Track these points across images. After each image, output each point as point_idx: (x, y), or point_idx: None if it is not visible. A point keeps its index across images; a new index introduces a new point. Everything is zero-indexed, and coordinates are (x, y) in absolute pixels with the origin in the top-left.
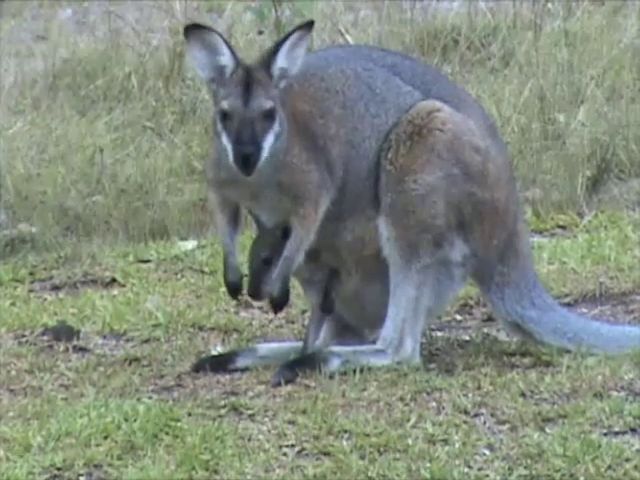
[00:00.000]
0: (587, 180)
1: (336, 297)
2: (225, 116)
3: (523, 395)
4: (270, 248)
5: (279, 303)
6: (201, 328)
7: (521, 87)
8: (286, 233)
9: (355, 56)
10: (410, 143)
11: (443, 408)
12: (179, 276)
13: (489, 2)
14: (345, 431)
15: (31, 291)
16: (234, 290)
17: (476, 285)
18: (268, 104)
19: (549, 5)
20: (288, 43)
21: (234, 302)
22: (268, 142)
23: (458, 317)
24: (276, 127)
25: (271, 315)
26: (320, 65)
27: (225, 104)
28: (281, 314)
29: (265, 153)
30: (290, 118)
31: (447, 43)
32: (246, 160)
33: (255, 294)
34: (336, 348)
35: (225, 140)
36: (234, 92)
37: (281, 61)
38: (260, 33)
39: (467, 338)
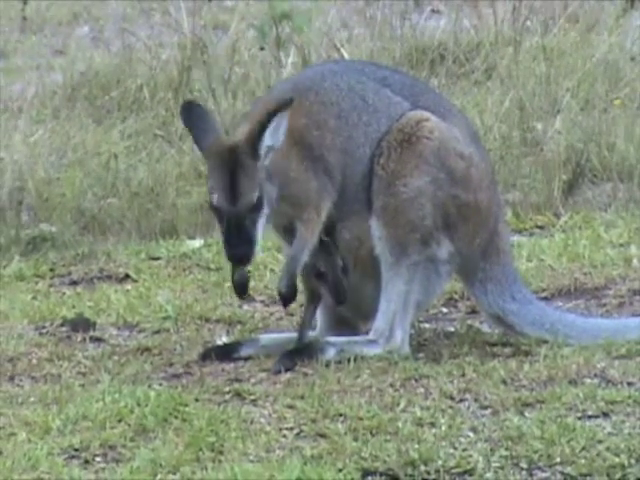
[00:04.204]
0: (563, 184)
1: (347, 286)
2: (215, 210)
3: (504, 382)
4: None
5: (286, 298)
6: (207, 320)
7: (502, 98)
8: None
9: (348, 70)
10: (400, 150)
11: (430, 394)
12: (187, 272)
13: (473, 20)
14: (340, 415)
15: (51, 286)
16: (242, 289)
17: (461, 280)
18: (254, 197)
19: (528, 23)
20: (273, 124)
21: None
22: (259, 232)
23: (444, 310)
24: (265, 210)
25: (272, 308)
26: (316, 79)
27: (214, 199)
28: (280, 307)
29: (257, 245)
30: (287, 133)
31: (434, 58)
32: (239, 260)
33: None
34: (332, 338)
35: (219, 228)
36: (221, 186)
37: (267, 140)
38: (262, 49)
39: (452, 329)
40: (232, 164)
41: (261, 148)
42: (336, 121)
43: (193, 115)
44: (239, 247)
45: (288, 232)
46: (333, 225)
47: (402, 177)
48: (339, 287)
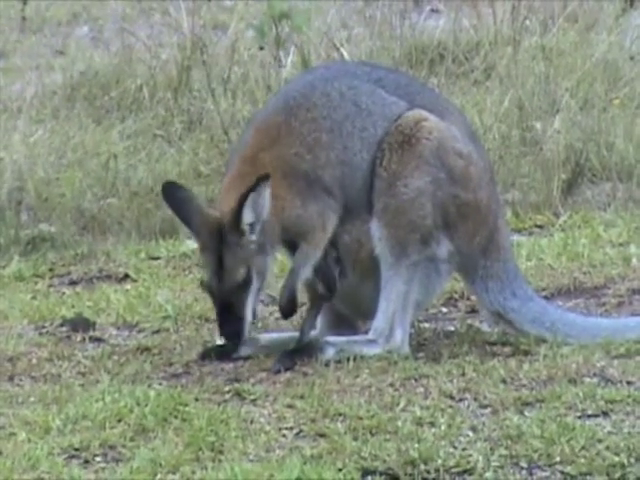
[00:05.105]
0: (562, 183)
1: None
2: (206, 288)
3: (504, 381)
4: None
5: (286, 313)
6: (207, 320)
7: (501, 98)
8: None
9: (340, 75)
10: (401, 151)
11: (430, 393)
12: (187, 272)
13: (472, 20)
14: (340, 414)
15: (51, 286)
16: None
17: (461, 278)
18: (241, 275)
19: (527, 22)
20: (249, 202)
21: None
22: (249, 308)
23: (444, 309)
24: (255, 284)
25: (272, 308)
26: (305, 93)
27: (204, 279)
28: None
29: (247, 321)
30: (277, 167)
31: (434, 57)
32: (231, 337)
33: (333, 289)
34: (331, 338)
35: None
36: (208, 266)
37: (248, 217)
38: (261, 49)
39: (452, 329)
40: (217, 243)
41: (243, 224)
42: (329, 135)
43: (176, 198)
44: (229, 325)
45: (292, 245)
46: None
47: (403, 178)
48: (331, 278)
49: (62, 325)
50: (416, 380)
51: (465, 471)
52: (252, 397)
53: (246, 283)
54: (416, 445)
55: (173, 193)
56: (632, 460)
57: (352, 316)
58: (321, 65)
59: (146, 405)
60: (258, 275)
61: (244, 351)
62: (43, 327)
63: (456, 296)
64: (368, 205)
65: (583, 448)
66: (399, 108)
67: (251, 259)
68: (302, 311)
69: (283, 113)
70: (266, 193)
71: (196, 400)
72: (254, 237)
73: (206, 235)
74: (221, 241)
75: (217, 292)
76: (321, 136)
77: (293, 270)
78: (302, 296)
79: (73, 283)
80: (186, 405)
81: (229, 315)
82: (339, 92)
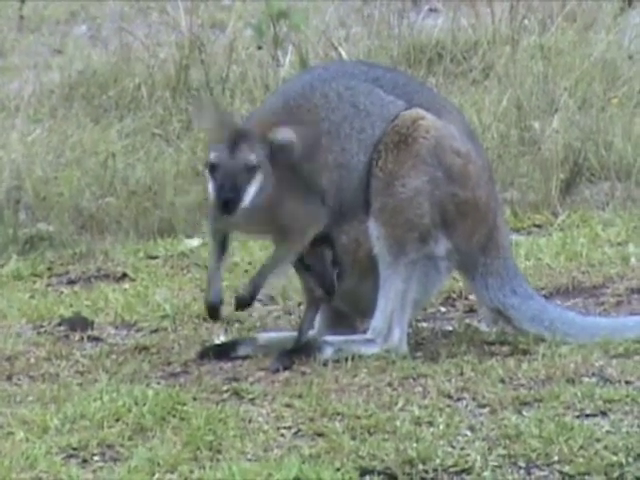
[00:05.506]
0: (561, 182)
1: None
2: (212, 167)
3: (502, 381)
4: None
5: (241, 304)
6: (205, 319)
7: (500, 97)
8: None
9: (338, 75)
10: (397, 151)
11: (428, 393)
12: (185, 271)
13: (470, 19)
14: (338, 414)
15: (49, 285)
16: (213, 311)
17: (461, 275)
18: (252, 158)
19: (525, 21)
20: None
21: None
22: (249, 191)
23: (442, 309)
24: (259, 180)
25: (270, 307)
26: (305, 93)
27: (212, 156)
28: (279, 306)
29: (245, 200)
30: (277, 166)
31: (432, 57)
32: (226, 205)
33: (331, 292)
34: (329, 337)
35: (210, 187)
36: (222, 146)
37: (280, 133)
38: (259, 48)
39: (450, 328)
40: (234, 132)
41: (271, 136)
42: (327, 138)
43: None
44: (229, 194)
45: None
46: (327, 232)
47: (400, 177)
48: (327, 278)
49: (60, 324)
50: (414, 379)
51: (463, 470)
52: (250, 396)
53: (253, 170)
54: (414, 444)
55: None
56: (630, 459)
57: (351, 316)
58: (319, 65)
59: (144, 404)
60: (266, 179)
61: (242, 350)
62: (41, 326)
63: (454, 295)
64: (365, 205)
65: (581, 447)
66: (397, 107)
67: (262, 160)
68: (300, 311)
69: (282, 114)
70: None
71: (194, 399)
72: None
73: (223, 129)
74: (239, 131)
75: (225, 166)
76: (319, 139)
77: (263, 267)
78: (301, 296)
79: (71, 282)
80: (184, 404)
81: (231, 187)
82: (337, 93)
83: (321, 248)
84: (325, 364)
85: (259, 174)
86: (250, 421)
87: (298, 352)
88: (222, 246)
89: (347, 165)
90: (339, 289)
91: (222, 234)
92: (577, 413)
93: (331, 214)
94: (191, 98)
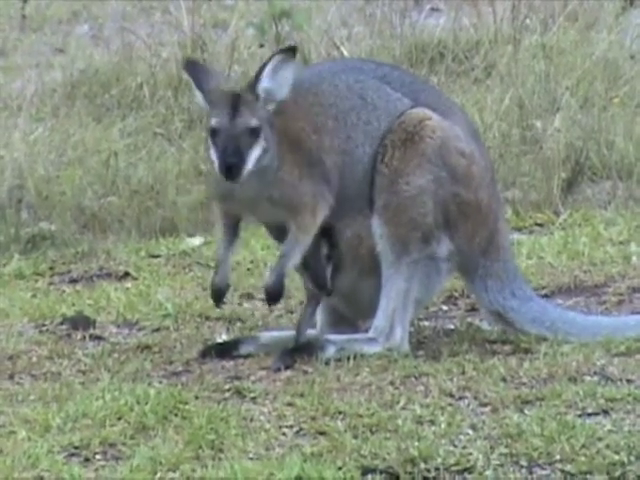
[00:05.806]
0: (562, 182)
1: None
2: (213, 132)
3: (504, 380)
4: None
5: (272, 297)
6: (207, 318)
7: (502, 96)
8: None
9: (347, 69)
10: (403, 149)
11: (430, 391)
12: (187, 270)
13: (472, 18)
14: (340, 412)
15: (51, 284)
16: (218, 295)
17: (461, 277)
18: (253, 122)
19: (527, 21)
20: (270, 65)
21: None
22: (252, 155)
23: (444, 308)
24: (262, 143)
25: (272, 306)
26: (314, 81)
27: (213, 121)
28: (280, 305)
29: (249, 164)
30: (282, 136)
31: (434, 56)
32: (230, 169)
33: (323, 286)
34: (331, 336)
35: (213, 154)
36: (222, 111)
37: (266, 82)
38: (261, 46)
39: (452, 327)
40: (234, 96)
41: (260, 89)
42: (334, 123)
43: (197, 69)
44: (232, 159)
45: (282, 232)
46: (330, 225)
47: (405, 175)
48: (320, 274)
49: (62, 323)
50: (416, 378)
51: (465, 469)
52: (252, 395)
53: (256, 133)
54: (416, 443)
55: (192, 67)
56: (632, 458)
57: (352, 316)
58: (327, 60)
59: (146, 403)
60: (267, 142)
61: (244, 349)
62: (43, 325)
63: (456, 294)
64: (369, 201)
65: (583, 446)
66: (403, 105)
67: (264, 121)
68: (301, 308)
69: (291, 93)
70: (289, 67)
71: (196, 398)
72: (268, 107)
73: (222, 91)
74: (237, 96)
75: (227, 130)
76: (327, 122)
77: (282, 255)
78: (301, 295)
79: (73, 281)
80: (186, 403)
81: (234, 151)
82: (346, 84)
83: (317, 241)
84: (327, 363)
85: (261, 137)
86: (252, 420)
87: (300, 351)
88: (233, 231)
89: (351, 153)
90: (337, 287)
91: (232, 219)
92: (579, 412)
93: (336, 201)
94: (184, 61)
